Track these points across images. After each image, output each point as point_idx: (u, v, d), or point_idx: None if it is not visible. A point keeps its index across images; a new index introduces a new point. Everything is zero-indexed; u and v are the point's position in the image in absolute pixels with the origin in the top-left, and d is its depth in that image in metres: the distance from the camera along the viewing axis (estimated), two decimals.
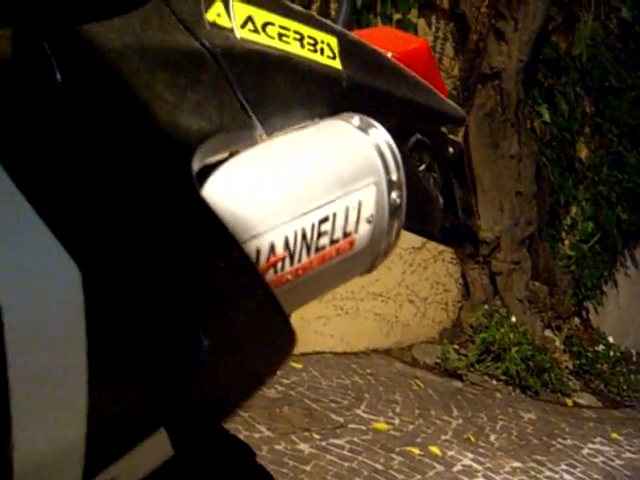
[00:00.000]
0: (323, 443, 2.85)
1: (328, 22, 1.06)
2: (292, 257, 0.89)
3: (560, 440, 3.44)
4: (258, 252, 0.85)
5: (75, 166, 0.69)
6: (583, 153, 4.99)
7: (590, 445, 3.48)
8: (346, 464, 2.74)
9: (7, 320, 0.59)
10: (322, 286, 1.03)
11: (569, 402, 4.06)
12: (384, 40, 1.21)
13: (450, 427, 3.29)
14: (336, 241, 0.95)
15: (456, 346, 4.19)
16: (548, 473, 3.08)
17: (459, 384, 3.86)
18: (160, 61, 0.80)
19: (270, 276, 0.87)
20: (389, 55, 1.15)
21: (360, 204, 0.97)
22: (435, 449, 3.02)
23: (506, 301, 4.40)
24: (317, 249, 0.92)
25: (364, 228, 0.99)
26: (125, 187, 0.73)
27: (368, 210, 0.98)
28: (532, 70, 4.43)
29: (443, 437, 3.17)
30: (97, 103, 0.74)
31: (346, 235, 0.96)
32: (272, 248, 0.86)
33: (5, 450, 0.62)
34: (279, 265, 0.88)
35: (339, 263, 0.98)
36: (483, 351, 4.09)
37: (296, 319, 0.91)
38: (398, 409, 3.33)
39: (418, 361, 4.04)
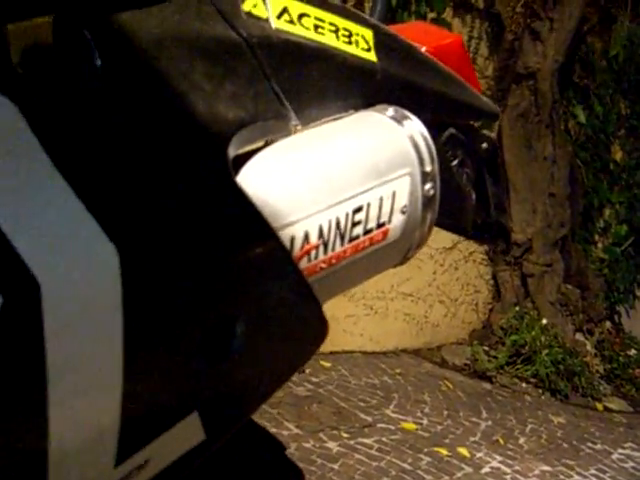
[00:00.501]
0: (351, 442, 2.84)
1: (364, 15, 1.06)
2: (326, 246, 0.90)
3: (590, 444, 3.41)
4: (292, 240, 0.86)
5: (114, 151, 0.70)
6: (618, 155, 4.93)
7: (620, 450, 3.44)
8: (374, 463, 2.73)
9: (45, 298, 0.60)
10: (355, 276, 1.04)
11: (599, 406, 4.01)
12: (419, 35, 1.22)
13: (479, 429, 3.26)
14: (370, 231, 0.96)
15: (486, 348, 4.16)
16: (577, 477, 3.06)
17: (488, 386, 3.83)
18: (198, 50, 0.81)
19: (304, 264, 0.88)
20: (423, 49, 1.15)
21: (394, 195, 0.97)
22: (463, 450, 3.01)
23: (537, 303, 4.36)
24: (351, 238, 0.93)
25: (398, 219, 0.99)
26: (162, 173, 0.74)
27: (402, 201, 0.99)
28: (567, 71, 4.39)
29: (472, 439, 3.15)
30: (135, 89, 0.75)
31: (380, 225, 0.97)
32: (306, 236, 0.87)
33: (41, 431, 0.62)
34: (313, 253, 0.89)
35: (372, 253, 0.98)
36: (513, 353, 4.06)
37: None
38: (427, 409, 3.32)
39: (447, 362, 4.02)
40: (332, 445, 2.77)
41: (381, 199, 0.95)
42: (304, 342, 0.92)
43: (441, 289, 4.13)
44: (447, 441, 3.06)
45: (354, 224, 0.92)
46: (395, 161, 0.98)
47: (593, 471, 3.15)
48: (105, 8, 0.72)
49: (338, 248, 0.91)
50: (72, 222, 0.64)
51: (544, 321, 4.25)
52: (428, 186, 1.02)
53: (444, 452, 2.95)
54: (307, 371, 3.31)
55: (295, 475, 2.49)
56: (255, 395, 0.89)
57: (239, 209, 0.80)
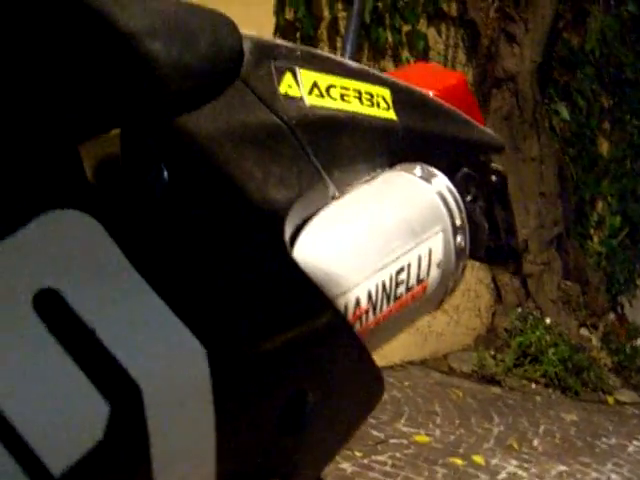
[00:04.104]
0: (365, 460, 2.84)
1: (381, 74, 1.12)
2: (374, 308, 0.95)
3: (604, 440, 3.41)
4: (346, 307, 0.91)
5: (186, 252, 0.75)
6: (604, 148, 4.95)
7: (635, 442, 3.44)
8: None
9: (147, 401, 0.66)
10: (398, 329, 1.09)
11: (610, 400, 4.02)
12: (423, 77, 1.26)
13: (492, 435, 3.27)
14: (411, 288, 1.01)
15: (492, 352, 4.17)
16: (595, 474, 3.06)
17: (498, 390, 3.84)
18: (246, 139, 0.85)
19: (356, 328, 0.93)
20: (431, 94, 1.19)
21: (430, 251, 1.03)
22: (478, 458, 3.01)
23: (539, 303, 4.38)
24: (395, 298, 0.98)
25: (435, 273, 1.05)
26: (230, 265, 0.79)
27: (437, 256, 1.04)
28: (546, 69, 4.42)
29: (485, 445, 3.15)
30: (198, 190, 0.79)
31: (419, 281, 1.02)
32: (357, 302, 0.92)
33: None
34: (364, 317, 0.94)
35: (413, 306, 1.04)
36: (520, 355, 4.07)
37: None
38: (438, 420, 3.32)
39: (455, 370, 4.03)
40: (346, 466, 2.77)
41: (419, 257, 1.01)
42: (366, 399, 0.97)
43: None
44: (461, 450, 3.06)
45: (398, 284, 0.98)
46: (429, 219, 1.04)
47: (610, 466, 3.15)
48: (167, 116, 0.76)
49: (385, 308, 0.96)
50: (163, 327, 0.69)
51: (547, 320, 4.27)
52: (459, 238, 1.08)
53: (459, 462, 2.95)
54: None
55: None
56: (325, 456, 0.95)
57: (301, 287, 0.84)
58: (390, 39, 3.79)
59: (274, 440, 0.82)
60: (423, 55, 3.91)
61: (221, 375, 0.72)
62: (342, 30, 3.59)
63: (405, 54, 3.87)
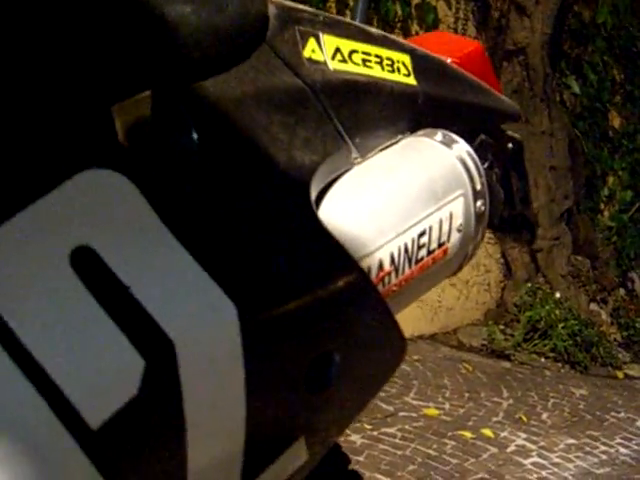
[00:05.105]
0: (375, 433, 2.85)
1: (400, 40, 1.13)
2: (397, 270, 0.97)
3: (613, 414, 3.41)
4: (369, 269, 0.93)
5: (215, 212, 0.77)
6: (616, 122, 4.92)
7: None
8: (399, 452, 2.75)
9: (179, 353, 0.68)
10: (419, 291, 1.12)
11: (620, 374, 4.02)
12: (440, 45, 1.27)
13: (501, 408, 3.27)
14: (432, 251, 1.03)
15: (502, 326, 4.17)
16: (603, 448, 3.06)
17: (507, 364, 3.84)
18: (272, 103, 0.87)
19: (379, 289, 0.94)
20: (449, 61, 1.19)
21: (451, 215, 1.05)
22: (487, 431, 3.02)
23: (549, 277, 4.36)
24: (417, 260, 1.00)
25: (455, 237, 1.07)
26: (259, 224, 0.81)
27: (458, 220, 1.07)
28: (557, 42, 4.38)
29: (494, 419, 3.16)
30: (226, 152, 0.80)
31: (440, 245, 1.05)
32: (380, 264, 0.94)
33: (181, 461, 0.71)
34: (386, 279, 0.96)
35: (434, 270, 1.06)
36: (529, 329, 4.06)
37: None
38: (448, 394, 3.33)
39: (464, 344, 4.03)
40: (355, 438, 2.78)
41: (440, 221, 1.03)
42: (388, 361, 0.98)
43: None
44: (470, 423, 3.07)
45: (419, 247, 1.00)
46: (450, 184, 1.06)
47: (619, 440, 3.16)
48: (196, 78, 0.77)
49: (407, 271, 0.98)
50: (195, 285, 0.71)
51: (557, 294, 4.26)
52: (479, 203, 1.10)
53: (468, 435, 2.96)
54: None
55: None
56: (349, 415, 0.96)
57: (328, 248, 0.86)
58: (399, 12, 3.76)
59: (301, 398, 0.84)
60: (433, 28, 3.87)
61: (251, 333, 0.74)
62: (351, 3, 3.56)
63: (415, 27, 3.84)
